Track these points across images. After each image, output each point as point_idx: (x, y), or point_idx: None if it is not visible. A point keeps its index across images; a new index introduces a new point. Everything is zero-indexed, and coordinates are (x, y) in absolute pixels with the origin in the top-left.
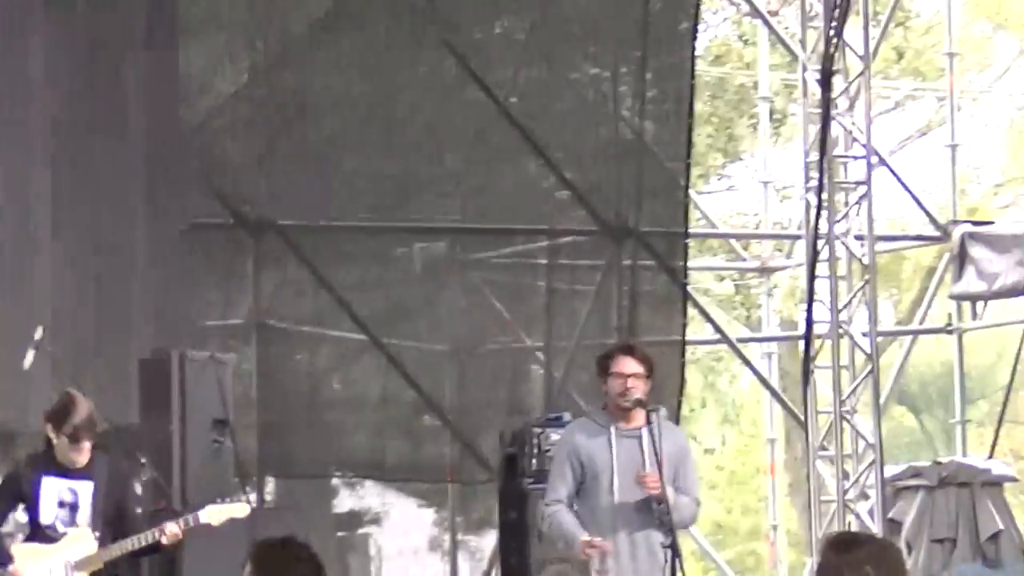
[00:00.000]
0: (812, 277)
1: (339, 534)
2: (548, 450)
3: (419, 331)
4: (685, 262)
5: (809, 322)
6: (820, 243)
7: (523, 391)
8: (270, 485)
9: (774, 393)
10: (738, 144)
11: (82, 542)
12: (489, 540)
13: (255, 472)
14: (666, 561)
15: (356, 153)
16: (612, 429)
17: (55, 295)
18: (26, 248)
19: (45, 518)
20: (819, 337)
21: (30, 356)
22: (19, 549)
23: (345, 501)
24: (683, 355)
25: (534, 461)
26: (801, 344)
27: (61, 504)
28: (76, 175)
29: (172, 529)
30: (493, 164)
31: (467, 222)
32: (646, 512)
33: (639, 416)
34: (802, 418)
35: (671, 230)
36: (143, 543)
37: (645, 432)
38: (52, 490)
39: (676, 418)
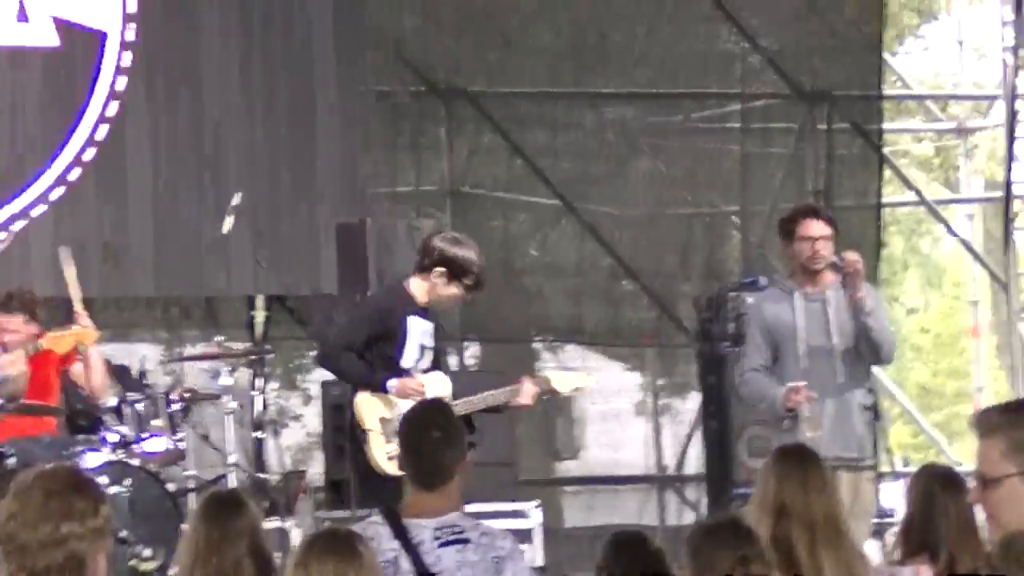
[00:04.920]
0: (1011, 138)
1: (544, 397)
2: (744, 314)
3: (613, 196)
4: (880, 124)
5: (1008, 183)
6: (1019, 103)
7: (719, 255)
8: (471, 349)
9: (975, 255)
10: (932, 4)
11: (440, 386)
12: (691, 404)
13: (457, 336)
14: (868, 423)
15: (545, 22)
16: (797, 295)
17: (246, 163)
18: (220, 119)
19: (407, 360)
20: (1019, 198)
21: (229, 222)
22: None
23: (547, 365)
24: (879, 218)
25: (730, 325)
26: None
27: (422, 348)
28: (265, 43)
29: (530, 389)
30: (686, 29)
31: (658, 87)
32: (838, 375)
33: (826, 278)
34: (1004, 280)
35: (866, 93)
36: (497, 401)
37: (831, 294)
38: (416, 331)
39: (875, 280)
